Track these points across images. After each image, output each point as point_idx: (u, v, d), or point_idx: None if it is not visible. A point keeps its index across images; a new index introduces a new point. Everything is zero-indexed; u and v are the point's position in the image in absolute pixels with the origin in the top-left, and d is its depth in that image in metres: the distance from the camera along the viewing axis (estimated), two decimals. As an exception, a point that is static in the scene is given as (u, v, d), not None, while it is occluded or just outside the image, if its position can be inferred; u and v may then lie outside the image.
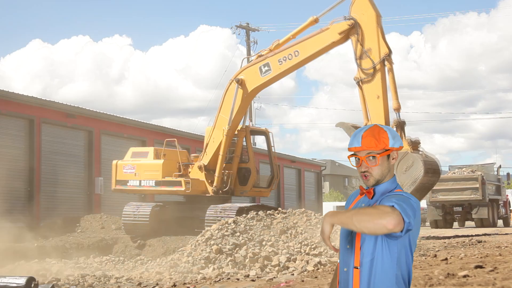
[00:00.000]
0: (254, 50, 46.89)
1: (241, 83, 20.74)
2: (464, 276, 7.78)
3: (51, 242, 19.68)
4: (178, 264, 15.31)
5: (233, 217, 19.00)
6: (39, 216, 23.74)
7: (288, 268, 14.40)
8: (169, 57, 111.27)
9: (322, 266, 13.60)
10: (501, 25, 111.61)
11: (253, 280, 12.02)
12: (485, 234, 24.30)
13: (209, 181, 21.33)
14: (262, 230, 16.74)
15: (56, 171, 24.95)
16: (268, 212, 18.12)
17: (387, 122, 18.74)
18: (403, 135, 19.07)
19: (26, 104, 23.57)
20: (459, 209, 34.95)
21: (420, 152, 19.23)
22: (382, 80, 19.04)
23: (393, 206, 2.85)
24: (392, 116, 19.32)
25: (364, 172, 3.10)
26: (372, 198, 3.13)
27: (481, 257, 11.29)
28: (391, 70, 19.15)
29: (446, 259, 11.22)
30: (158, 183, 21.31)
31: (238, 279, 12.46)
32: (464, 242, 18.60)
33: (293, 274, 13.15)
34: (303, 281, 10.18)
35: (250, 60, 44.57)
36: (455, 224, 36.70)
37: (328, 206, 50.19)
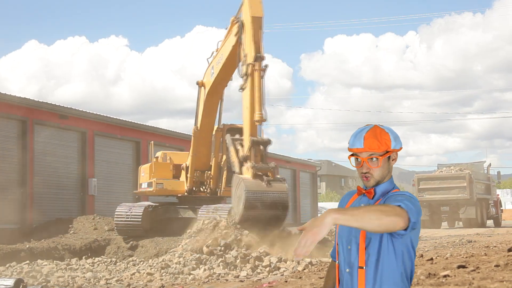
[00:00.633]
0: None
1: (202, 85, 20.83)
2: (444, 276, 7.82)
3: (44, 243, 19.69)
4: (169, 265, 15.34)
5: (225, 217, 19.06)
6: (32, 218, 23.75)
7: (279, 268, 14.45)
8: (165, 58, 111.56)
9: (312, 267, 13.65)
10: (496, 24, 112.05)
11: (241, 281, 12.06)
12: (477, 234, 24.31)
13: (188, 182, 21.62)
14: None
15: (49, 172, 24.96)
16: None
17: (252, 134, 16.86)
18: (263, 156, 16.98)
19: (19, 105, 23.58)
20: (446, 208, 34.52)
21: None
22: (250, 88, 16.99)
23: (400, 205, 2.88)
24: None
25: (365, 173, 3.12)
26: (372, 198, 3.16)
27: (466, 257, 11.34)
28: (257, 77, 16.94)
29: (431, 259, 11.27)
30: (149, 185, 21.95)
31: (227, 280, 12.50)
32: (454, 242, 18.64)
33: (283, 275, 13.19)
34: (286, 281, 10.23)
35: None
36: (445, 224, 36.39)
37: (326, 207, 50.21)
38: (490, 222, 38.28)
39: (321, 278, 9.85)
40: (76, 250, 19.77)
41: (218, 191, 21.80)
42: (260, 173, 16.51)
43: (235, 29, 18.12)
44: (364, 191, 3.18)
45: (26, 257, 17.89)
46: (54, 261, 17.80)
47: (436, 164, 39.09)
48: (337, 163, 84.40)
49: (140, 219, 20.83)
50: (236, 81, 19.40)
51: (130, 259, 19.11)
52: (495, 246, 15.49)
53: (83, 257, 18.91)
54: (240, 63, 17.62)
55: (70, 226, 22.74)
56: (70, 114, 26.03)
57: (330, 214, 2.79)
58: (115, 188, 28.58)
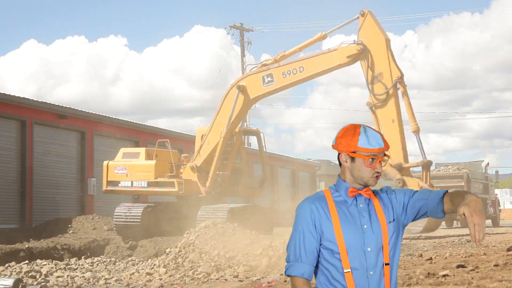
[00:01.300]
0: (248, 50, 46.96)
1: (242, 89, 20.88)
2: (444, 276, 7.82)
3: (43, 243, 19.68)
4: (168, 265, 15.35)
5: (224, 217, 19.07)
6: (31, 217, 23.75)
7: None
8: (164, 57, 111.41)
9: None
10: (494, 24, 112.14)
11: (241, 281, 12.07)
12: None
13: (201, 181, 21.42)
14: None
15: (48, 172, 24.95)
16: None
17: (403, 146, 18.94)
18: (427, 175, 19.11)
19: (18, 105, 23.58)
20: None
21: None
22: (395, 104, 19.10)
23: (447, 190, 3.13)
24: (410, 138, 19.67)
25: (379, 173, 3.15)
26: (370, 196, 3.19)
27: (465, 257, 11.35)
28: (405, 93, 19.24)
29: (431, 258, 11.27)
30: (150, 184, 21.44)
31: (226, 280, 12.50)
32: (453, 241, 18.63)
33: (282, 274, 13.19)
34: (285, 281, 10.23)
35: (245, 62, 44.65)
36: (442, 223, 36.26)
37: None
38: (488, 222, 38.12)
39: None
40: (76, 250, 19.75)
41: (228, 192, 21.97)
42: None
43: (347, 50, 19.53)
44: (359, 191, 3.15)
45: (26, 257, 17.88)
46: (54, 261, 17.79)
47: (434, 163, 38.85)
48: (337, 163, 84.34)
49: (139, 219, 20.80)
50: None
51: (130, 259, 19.12)
52: (494, 246, 15.50)
53: (82, 257, 18.91)
54: (368, 83, 19.36)
55: (70, 226, 22.73)
56: (69, 114, 26.02)
57: (478, 199, 2.92)
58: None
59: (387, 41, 19.68)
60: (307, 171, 49.51)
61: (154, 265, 15.92)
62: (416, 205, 3.16)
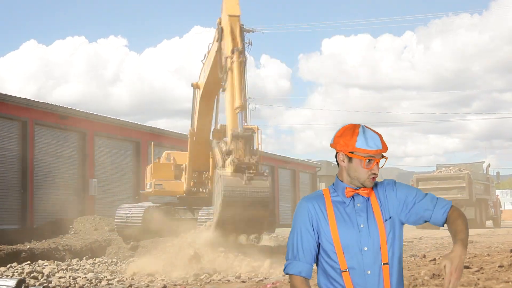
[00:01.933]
0: (248, 51, 46.76)
1: (196, 87, 20.67)
2: (449, 277, 7.76)
3: (44, 244, 19.68)
4: (170, 264, 15.33)
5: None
6: (33, 218, 23.74)
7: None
8: (163, 58, 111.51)
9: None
10: (493, 25, 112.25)
11: (243, 281, 12.06)
12: (478, 235, 24.27)
13: (186, 182, 21.59)
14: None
15: (49, 173, 24.94)
16: None
17: (234, 126, 15.86)
18: (245, 150, 15.50)
19: (20, 106, 23.57)
20: None
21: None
22: (231, 81, 16.29)
23: (452, 205, 3.22)
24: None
25: (376, 174, 3.14)
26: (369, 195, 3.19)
27: (469, 258, 11.32)
28: (237, 67, 16.17)
29: (434, 259, 11.25)
30: (150, 186, 21.92)
31: (228, 280, 12.48)
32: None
33: (284, 275, 13.18)
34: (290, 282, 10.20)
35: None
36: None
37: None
38: (489, 223, 38.05)
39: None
40: (77, 250, 19.74)
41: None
42: (243, 167, 15.24)
43: (216, 34, 17.68)
44: (356, 191, 3.15)
45: (27, 257, 17.85)
46: (55, 262, 17.77)
47: (435, 164, 38.83)
48: (336, 164, 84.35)
49: (140, 220, 20.81)
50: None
51: (131, 259, 19.10)
52: (497, 247, 15.47)
53: (84, 258, 18.89)
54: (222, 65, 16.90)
55: (71, 226, 22.73)
56: (70, 114, 26.03)
57: (463, 254, 3.01)
58: (115, 189, 28.56)
59: (232, 17, 16.90)
60: (308, 171, 49.50)
61: (156, 263, 15.91)
62: (421, 213, 3.17)
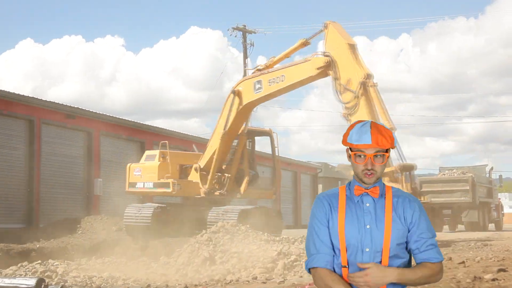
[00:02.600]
0: (250, 52, 46.75)
1: (237, 94, 21.00)
2: (493, 280, 7.75)
3: (53, 243, 19.56)
4: (180, 265, 15.26)
5: (235, 219, 19.01)
6: (39, 217, 23.61)
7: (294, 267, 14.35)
8: (160, 58, 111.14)
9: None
10: (489, 29, 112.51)
11: (264, 283, 11.97)
12: (487, 238, 24.18)
13: (203, 182, 21.55)
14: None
15: (55, 172, 24.82)
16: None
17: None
18: (404, 180, 18.23)
19: (26, 104, 23.44)
20: (449, 211, 34.17)
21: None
22: (366, 106, 18.20)
23: (441, 261, 3.09)
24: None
25: (370, 170, 3.06)
26: (378, 196, 3.12)
27: (498, 260, 11.28)
28: (374, 92, 18.29)
29: (463, 262, 11.19)
30: (155, 185, 21.74)
31: (248, 281, 12.41)
32: (469, 245, 18.54)
33: (301, 276, 13.11)
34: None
35: (246, 65, 44.59)
36: (446, 227, 36.01)
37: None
38: (491, 226, 37.99)
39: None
40: (86, 250, 19.63)
41: (238, 193, 21.92)
42: None
43: (318, 63, 19.04)
44: (366, 190, 3.11)
45: (37, 257, 17.73)
46: (65, 261, 17.64)
47: (431, 167, 38.79)
48: (334, 166, 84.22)
49: (149, 220, 20.72)
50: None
51: (141, 259, 18.99)
52: (516, 249, 15.38)
53: (93, 257, 18.76)
54: (338, 93, 18.74)
55: (78, 226, 22.62)
56: (77, 114, 25.92)
57: (391, 277, 2.97)
58: (120, 188, 28.41)
59: (351, 46, 19.07)
60: (309, 173, 49.43)
61: (168, 263, 15.85)
62: (413, 241, 3.11)
